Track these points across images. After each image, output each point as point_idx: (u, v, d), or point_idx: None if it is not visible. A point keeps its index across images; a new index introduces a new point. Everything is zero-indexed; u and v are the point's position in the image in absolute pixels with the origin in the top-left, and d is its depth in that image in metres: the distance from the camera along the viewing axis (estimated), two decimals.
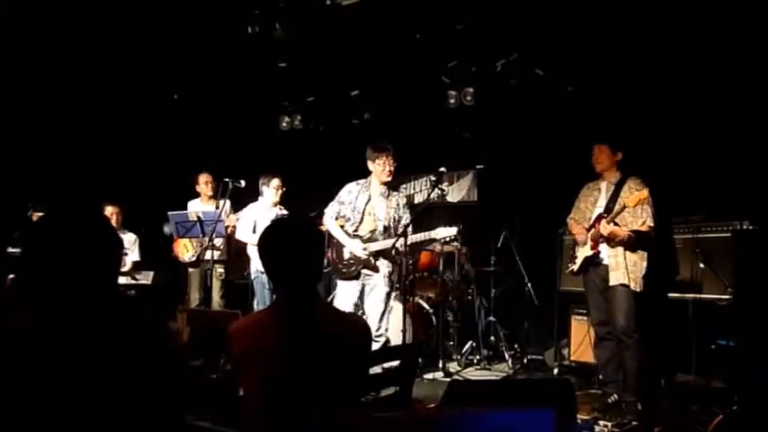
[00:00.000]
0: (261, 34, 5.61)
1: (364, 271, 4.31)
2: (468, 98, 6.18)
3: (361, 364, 2.00)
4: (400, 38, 5.74)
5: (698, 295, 4.36)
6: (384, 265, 4.32)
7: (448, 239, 4.38)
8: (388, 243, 4.24)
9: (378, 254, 4.29)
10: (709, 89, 4.74)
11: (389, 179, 4.33)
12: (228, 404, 2.99)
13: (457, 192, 7.20)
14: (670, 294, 4.54)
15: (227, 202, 5.35)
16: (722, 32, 4.51)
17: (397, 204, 4.41)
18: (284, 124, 7.29)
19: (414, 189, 7.58)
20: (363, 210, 4.31)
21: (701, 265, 4.31)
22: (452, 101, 6.28)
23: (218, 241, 5.49)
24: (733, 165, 4.57)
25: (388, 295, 4.38)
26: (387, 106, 6.85)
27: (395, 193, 4.47)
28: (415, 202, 7.24)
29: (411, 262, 5.10)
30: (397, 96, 6.64)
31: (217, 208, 5.31)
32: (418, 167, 7.29)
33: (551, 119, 5.75)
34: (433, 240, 4.79)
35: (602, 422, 3.52)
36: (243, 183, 5.18)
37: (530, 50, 5.67)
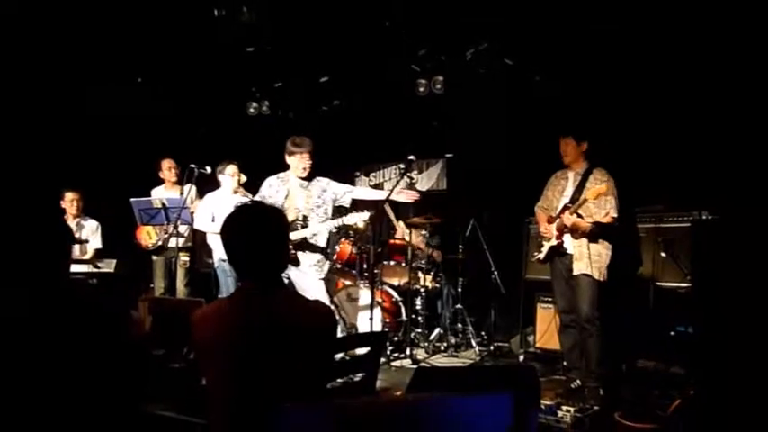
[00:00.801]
0: (228, 18, 5.49)
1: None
2: (438, 86, 6.18)
3: (327, 352, 1.98)
4: (370, 25, 5.69)
5: (658, 283, 4.47)
6: (308, 256, 4.26)
7: (360, 224, 4.37)
8: (307, 232, 4.19)
9: (300, 244, 4.22)
10: (671, 82, 4.83)
11: (304, 175, 4.25)
12: (192, 393, 2.94)
13: (426, 180, 7.22)
14: (632, 282, 4.65)
15: (193, 189, 5.23)
16: (684, 25, 4.59)
17: (322, 189, 4.32)
18: (252, 110, 7.17)
19: (383, 177, 7.57)
20: (283, 203, 4.27)
21: (662, 254, 4.41)
22: (422, 89, 6.27)
23: (184, 228, 5.38)
24: (694, 156, 4.69)
25: (322, 281, 4.29)
26: (356, 94, 6.80)
27: (314, 182, 4.34)
28: (384, 190, 7.23)
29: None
30: (366, 84, 6.60)
31: (181, 194, 5.20)
32: (387, 156, 7.29)
33: (520, 108, 5.79)
34: (346, 226, 4.79)
35: (564, 407, 3.58)
36: (209, 169, 5.09)
37: (499, 40, 5.69)
